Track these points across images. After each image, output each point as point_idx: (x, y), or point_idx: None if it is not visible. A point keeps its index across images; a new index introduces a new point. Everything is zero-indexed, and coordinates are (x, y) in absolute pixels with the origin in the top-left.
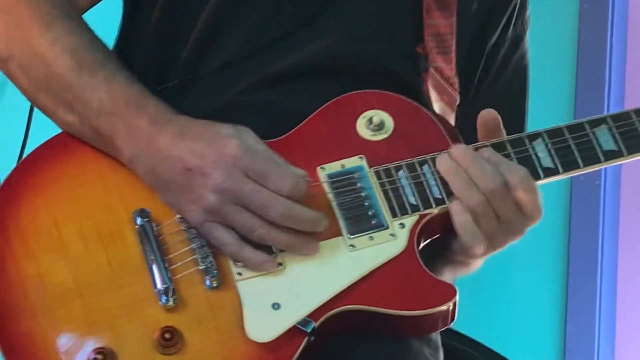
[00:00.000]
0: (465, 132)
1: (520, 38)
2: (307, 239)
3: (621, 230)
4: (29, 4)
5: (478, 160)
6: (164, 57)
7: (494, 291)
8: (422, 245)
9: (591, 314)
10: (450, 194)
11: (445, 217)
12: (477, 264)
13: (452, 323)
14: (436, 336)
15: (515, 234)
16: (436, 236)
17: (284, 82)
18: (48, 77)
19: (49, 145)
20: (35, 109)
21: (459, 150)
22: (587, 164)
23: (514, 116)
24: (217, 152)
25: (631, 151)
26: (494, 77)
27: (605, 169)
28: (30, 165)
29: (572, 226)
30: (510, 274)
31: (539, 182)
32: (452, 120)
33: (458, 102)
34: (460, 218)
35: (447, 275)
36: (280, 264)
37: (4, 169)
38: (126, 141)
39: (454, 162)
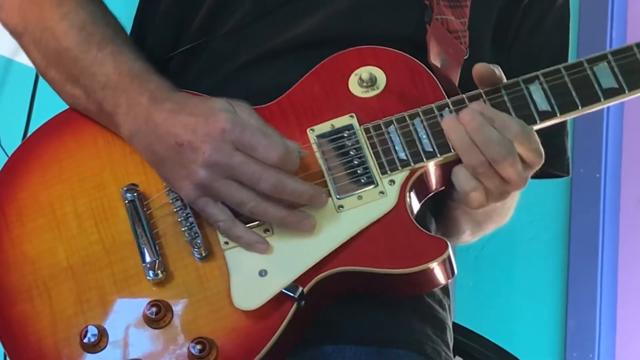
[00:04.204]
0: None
1: None
2: (302, 215)
3: (621, 224)
4: None
5: (484, 127)
6: (178, 23)
7: (495, 286)
8: (421, 201)
9: (592, 308)
10: (441, 146)
11: (441, 171)
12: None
13: (452, 278)
14: (444, 317)
15: (519, 185)
16: (439, 189)
17: (289, 53)
18: (58, 51)
19: (49, 126)
20: (39, 88)
21: (466, 114)
22: (585, 104)
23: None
24: (206, 126)
25: (632, 87)
26: (532, 30)
27: (605, 162)
28: (30, 146)
29: (573, 220)
30: (511, 269)
31: (536, 127)
32: (456, 73)
33: (467, 56)
34: (459, 174)
35: (467, 224)
36: (267, 230)
37: (10, 148)
38: (126, 117)
39: (458, 122)
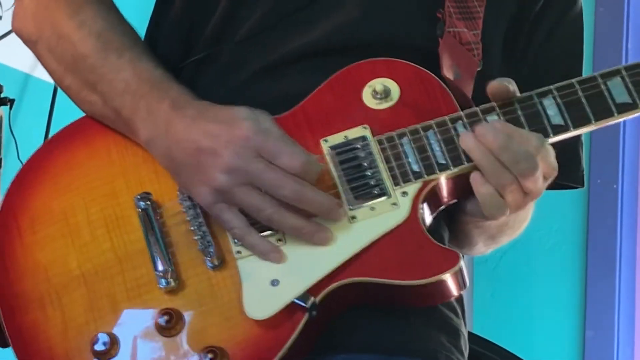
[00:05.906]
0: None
1: (571, 4)
2: (318, 227)
3: (639, 234)
4: None
5: (510, 144)
6: (189, 32)
7: (513, 297)
8: (433, 213)
9: (610, 318)
10: (454, 158)
11: (454, 183)
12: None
13: (464, 290)
14: (458, 324)
15: (536, 197)
16: (452, 202)
17: (300, 61)
18: (75, 58)
19: (61, 134)
20: (57, 103)
21: (487, 134)
22: (599, 118)
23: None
24: (229, 133)
25: None
26: (544, 40)
27: (622, 173)
28: (43, 154)
29: (590, 231)
30: (529, 280)
31: (550, 141)
32: (469, 85)
33: (480, 68)
34: (483, 190)
35: (480, 237)
36: (280, 239)
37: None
38: (145, 123)
39: (479, 141)
